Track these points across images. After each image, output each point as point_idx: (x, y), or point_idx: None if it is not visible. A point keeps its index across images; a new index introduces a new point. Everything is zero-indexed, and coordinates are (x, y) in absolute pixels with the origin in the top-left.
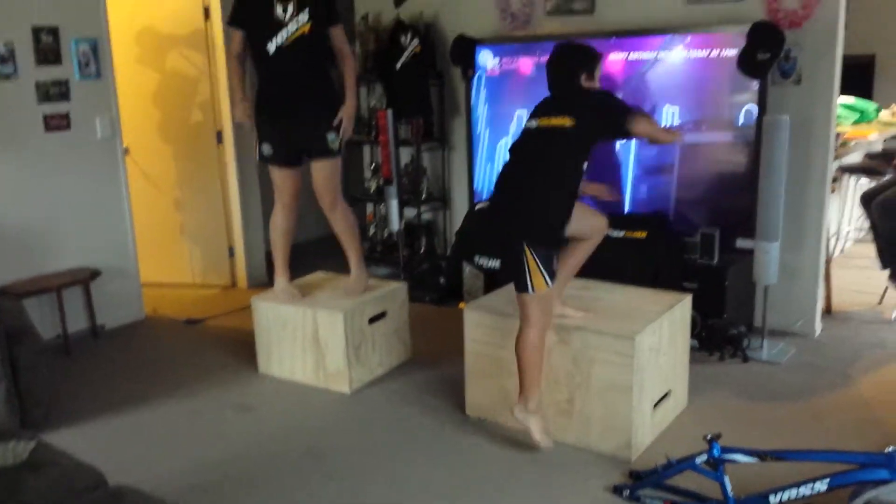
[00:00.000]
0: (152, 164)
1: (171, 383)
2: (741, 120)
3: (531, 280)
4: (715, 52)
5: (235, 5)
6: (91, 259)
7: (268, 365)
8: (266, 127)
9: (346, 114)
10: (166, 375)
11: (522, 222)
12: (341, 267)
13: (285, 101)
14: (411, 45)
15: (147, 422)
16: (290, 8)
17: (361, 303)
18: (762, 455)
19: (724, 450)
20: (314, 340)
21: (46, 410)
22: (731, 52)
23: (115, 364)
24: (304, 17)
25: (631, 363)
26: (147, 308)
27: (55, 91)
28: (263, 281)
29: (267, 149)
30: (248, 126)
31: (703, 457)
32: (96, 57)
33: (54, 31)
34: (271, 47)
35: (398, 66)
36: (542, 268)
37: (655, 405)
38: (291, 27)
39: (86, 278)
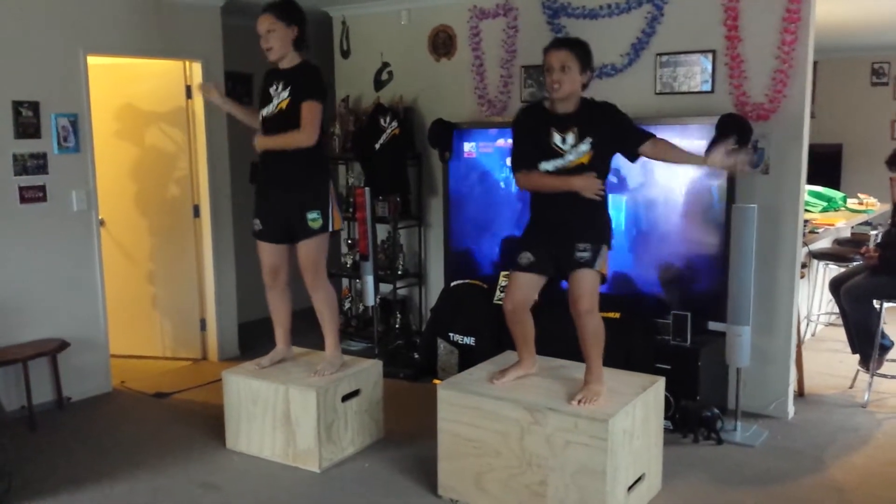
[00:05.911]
0: (127, 237)
1: (136, 459)
2: (713, 207)
3: (600, 262)
4: (686, 142)
5: None
6: (60, 330)
7: (236, 441)
8: (258, 202)
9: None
10: (131, 450)
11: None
12: (318, 340)
13: (272, 177)
14: (390, 126)
15: (109, 499)
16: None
17: (335, 380)
18: None
19: None
20: (285, 417)
21: (9, 484)
22: (702, 142)
23: (80, 438)
24: (284, 93)
25: (605, 446)
26: (115, 380)
27: (32, 164)
28: (235, 354)
29: (257, 224)
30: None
31: None
32: (76, 131)
33: (35, 106)
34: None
35: (377, 146)
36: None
37: (629, 489)
38: (275, 101)
39: (53, 349)
